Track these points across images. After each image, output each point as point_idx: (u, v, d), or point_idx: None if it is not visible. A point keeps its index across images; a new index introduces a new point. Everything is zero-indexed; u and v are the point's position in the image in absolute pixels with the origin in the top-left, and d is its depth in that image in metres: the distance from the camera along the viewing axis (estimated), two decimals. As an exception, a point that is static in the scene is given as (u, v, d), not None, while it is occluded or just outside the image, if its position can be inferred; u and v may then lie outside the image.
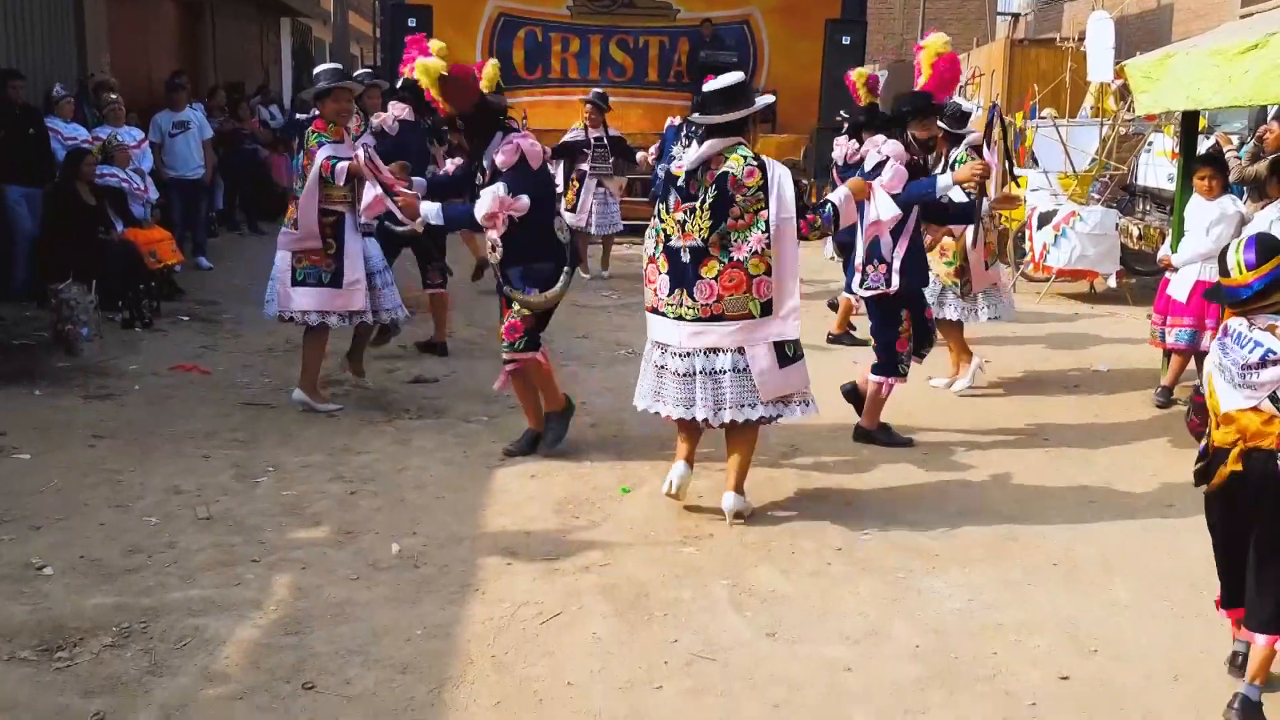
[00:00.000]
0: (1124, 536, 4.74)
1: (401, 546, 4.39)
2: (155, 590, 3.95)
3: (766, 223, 4.53)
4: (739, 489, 4.78)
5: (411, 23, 14.02)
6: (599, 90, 11.01)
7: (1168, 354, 6.95)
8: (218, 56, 15.85)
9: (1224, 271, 3.51)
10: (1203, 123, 9.14)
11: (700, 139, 4.65)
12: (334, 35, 25.82)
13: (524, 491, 5.07)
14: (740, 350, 4.59)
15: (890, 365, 5.86)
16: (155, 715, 3.20)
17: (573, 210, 10.56)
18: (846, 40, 14.29)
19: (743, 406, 4.63)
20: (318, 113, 6.08)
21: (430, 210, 5.46)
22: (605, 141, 10.47)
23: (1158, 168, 11.43)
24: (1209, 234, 6.56)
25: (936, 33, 6.01)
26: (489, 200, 5.15)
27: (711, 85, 4.67)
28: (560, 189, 10.77)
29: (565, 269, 5.36)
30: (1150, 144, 11.56)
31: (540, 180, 5.40)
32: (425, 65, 5.21)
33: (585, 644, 3.70)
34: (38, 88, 9.41)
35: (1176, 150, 8.91)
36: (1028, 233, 10.75)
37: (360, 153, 5.88)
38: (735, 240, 4.54)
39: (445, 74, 5.22)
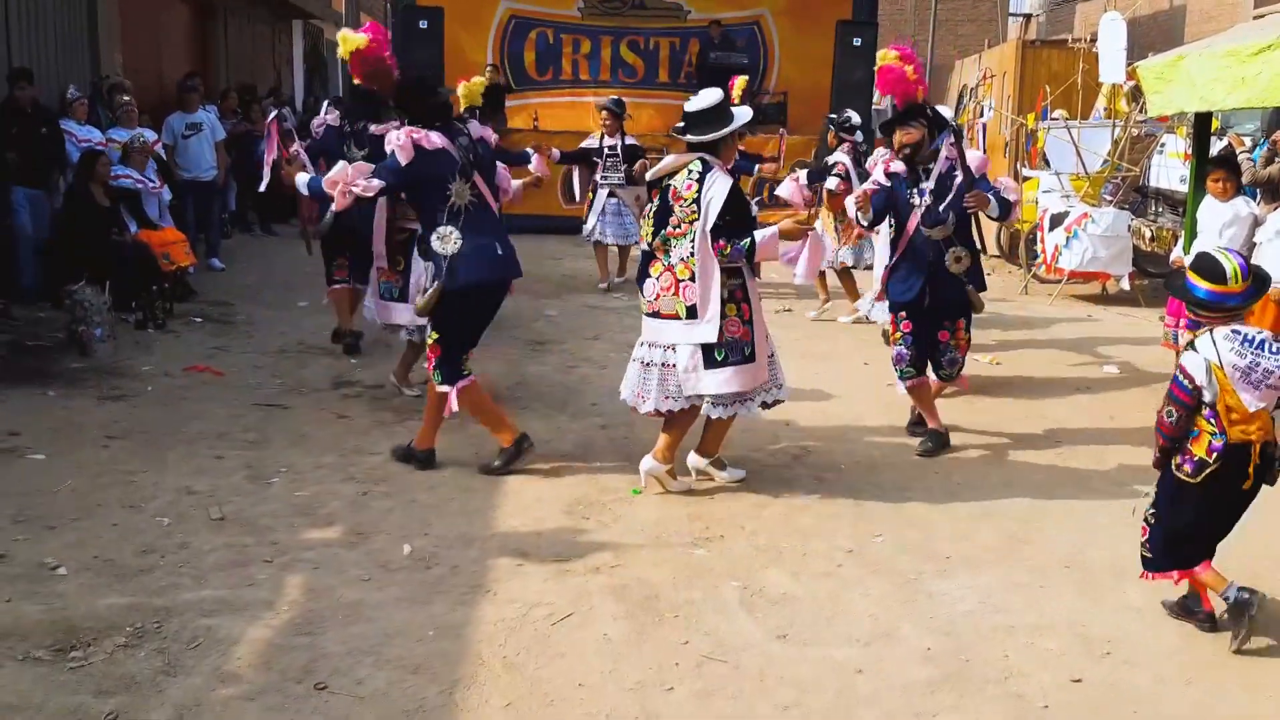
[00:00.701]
0: (1136, 539, 4.70)
1: (413, 547, 4.40)
2: (168, 590, 3.97)
3: (694, 234, 4.82)
4: (701, 451, 5.22)
5: (423, 24, 14.05)
6: (615, 97, 10.74)
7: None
8: (230, 58, 15.90)
9: (1218, 278, 3.68)
10: (1215, 124, 9.12)
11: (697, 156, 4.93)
12: (346, 37, 25.87)
13: (534, 493, 5.08)
14: (672, 348, 4.93)
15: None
16: (168, 715, 3.21)
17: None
18: (858, 42, 14.24)
19: (667, 398, 4.97)
20: None
21: (302, 180, 5.43)
22: (618, 150, 10.14)
23: (1170, 169, 11.39)
24: (1222, 236, 6.55)
25: (882, 50, 6.00)
26: (338, 168, 5.10)
27: (693, 106, 4.93)
28: (578, 198, 10.72)
29: (434, 281, 5.12)
30: (1163, 145, 11.52)
31: (416, 174, 5.04)
32: (345, 35, 5.34)
33: (596, 645, 3.70)
34: (52, 89, 9.46)
35: (1189, 152, 8.88)
36: (1039, 234, 10.74)
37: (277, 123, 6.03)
38: (674, 246, 4.88)
39: (360, 49, 5.26)
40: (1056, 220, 10.38)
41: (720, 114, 4.89)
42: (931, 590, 4.18)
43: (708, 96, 4.94)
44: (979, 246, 6.33)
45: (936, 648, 3.74)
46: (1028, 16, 25.85)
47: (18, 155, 8.23)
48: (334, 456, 5.48)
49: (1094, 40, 12.55)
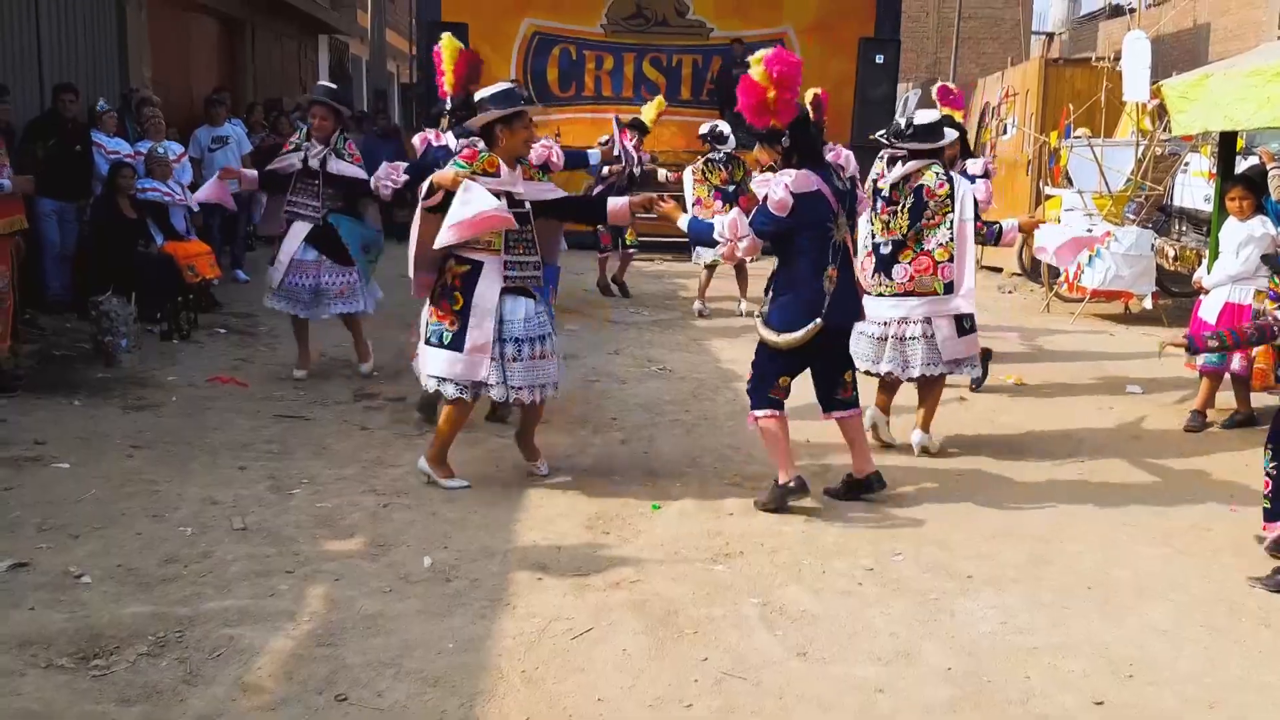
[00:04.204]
0: (1159, 560, 4.69)
1: (433, 560, 4.42)
2: (191, 600, 3.99)
3: (951, 223, 5.78)
4: (926, 429, 6.05)
5: (447, 40, 14.10)
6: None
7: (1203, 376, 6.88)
8: (257, 73, 16.06)
9: None
10: (1240, 143, 9.07)
11: (904, 160, 5.92)
12: (371, 52, 26.10)
13: (555, 507, 5.08)
14: (928, 320, 5.84)
15: None
16: (190, 724, 3.23)
17: None
18: (880, 58, 14.29)
19: (929, 365, 5.88)
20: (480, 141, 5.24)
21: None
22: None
23: (1194, 188, 11.34)
24: (1238, 255, 6.50)
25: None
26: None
27: (922, 120, 5.92)
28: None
29: None
30: (1186, 164, 11.46)
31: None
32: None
33: (615, 660, 3.70)
34: (82, 103, 9.57)
35: (1214, 171, 8.84)
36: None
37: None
38: (928, 235, 5.81)
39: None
40: (1080, 239, 10.33)
41: (940, 128, 5.95)
42: (953, 609, 4.15)
43: (933, 114, 6.11)
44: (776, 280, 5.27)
45: (958, 667, 3.72)
46: (1051, 35, 25.84)
47: (49, 167, 8.32)
48: (355, 468, 5.50)
49: (1118, 59, 12.51)
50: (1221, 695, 3.59)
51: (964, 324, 5.91)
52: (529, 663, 3.65)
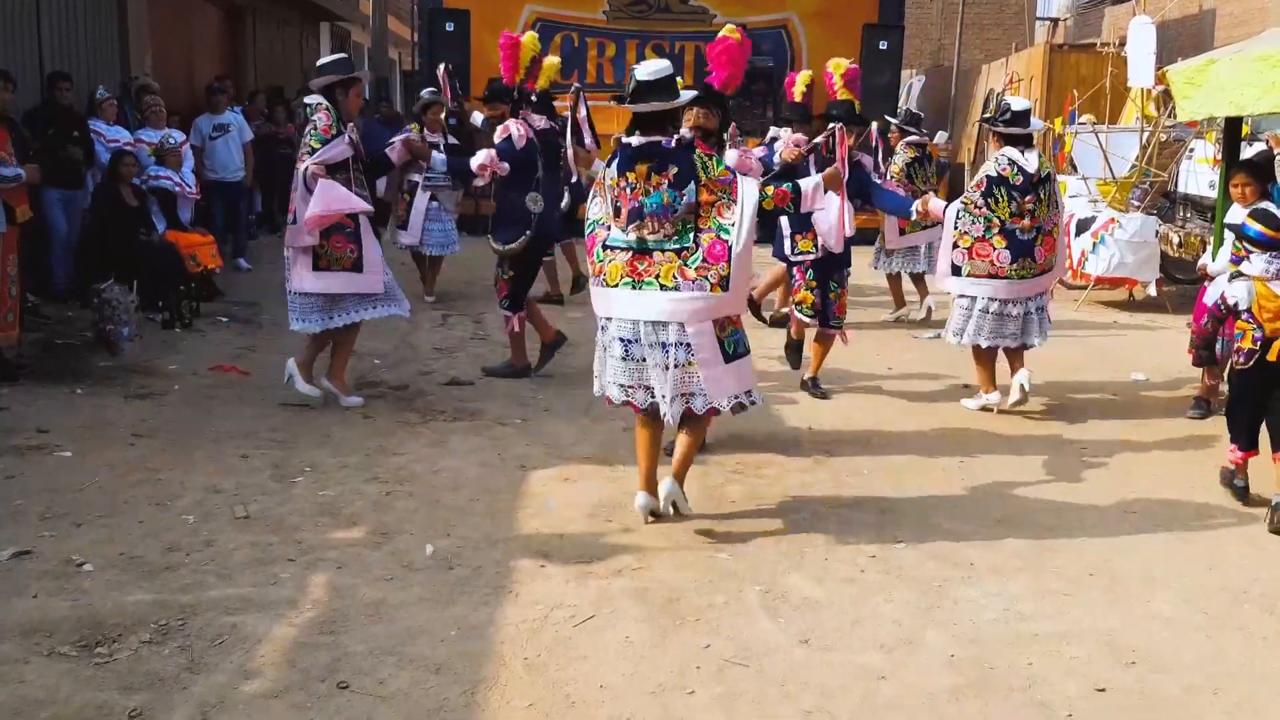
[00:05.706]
0: (1163, 548, 4.68)
1: (436, 548, 4.42)
2: (193, 588, 3.99)
3: (1059, 206, 6.52)
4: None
5: (449, 27, 14.12)
6: (433, 89, 9.59)
7: (1207, 363, 6.86)
8: (258, 61, 16.01)
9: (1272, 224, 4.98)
10: (1245, 129, 9.03)
11: (1024, 150, 6.36)
12: (372, 39, 26.04)
13: (557, 495, 5.08)
14: (1047, 293, 6.60)
15: None
16: (192, 712, 3.23)
17: (404, 227, 9.59)
18: (884, 45, 14.23)
19: (1047, 335, 6.62)
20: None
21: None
22: (442, 149, 8.33)
23: (1198, 174, 11.30)
24: (1243, 242, 6.48)
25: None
26: (482, 155, 6.59)
27: (1019, 108, 6.41)
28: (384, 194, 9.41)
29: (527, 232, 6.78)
30: (1191, 150, 11.42)
31: (521, 155, 6.78)
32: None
33: (618, 647, 3.70)
34: (82, 91, 9.56)
35: (1218, 157, 8.80)
36: (1066, 239, 10.66)
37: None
38: (1048, 215, 6.44)
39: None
40: (1083, 225, 10.31)
41: (1029, 114, 6.49)
42: (956, 597, 4.15)
43: (1024, 101, 6.61)
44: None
45: (960, 655, 3.71)
46: (1055, 20, 25.70)
47: (51, 157, 8.30)
48: (358, 457, 5.50)
49: (1122, 44, 12.46)
50: (1224, 683, 3.59)
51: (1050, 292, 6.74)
52: (531, 650, 3.65)
